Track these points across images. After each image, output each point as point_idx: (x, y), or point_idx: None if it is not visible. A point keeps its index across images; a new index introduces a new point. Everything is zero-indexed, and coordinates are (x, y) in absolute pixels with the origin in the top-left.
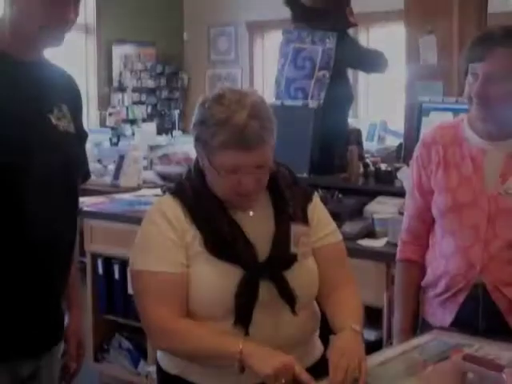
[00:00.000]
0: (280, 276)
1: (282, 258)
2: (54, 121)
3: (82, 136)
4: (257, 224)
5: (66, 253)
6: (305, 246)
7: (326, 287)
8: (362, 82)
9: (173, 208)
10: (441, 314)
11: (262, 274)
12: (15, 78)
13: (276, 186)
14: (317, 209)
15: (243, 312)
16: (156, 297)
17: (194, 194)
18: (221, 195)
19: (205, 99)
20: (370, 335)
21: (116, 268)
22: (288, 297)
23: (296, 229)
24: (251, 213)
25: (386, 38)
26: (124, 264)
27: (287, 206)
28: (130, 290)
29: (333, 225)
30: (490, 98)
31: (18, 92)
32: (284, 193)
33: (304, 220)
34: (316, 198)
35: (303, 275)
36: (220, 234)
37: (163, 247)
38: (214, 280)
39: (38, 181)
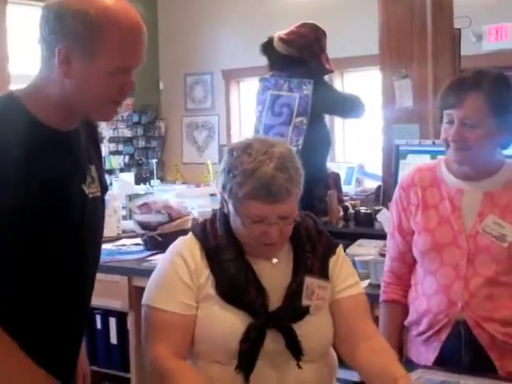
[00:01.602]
0: (288, 327)
1: (294, 309)
2: (86, 190)
3: (104, 194)
4: (275, 273)
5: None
6: (320, 300)
7: (353, 339)
8: (339, 126)
9: (192, 248)
10: (424, 352)
11: (271, 323)
12: (53, 151)
13: (298, 237)
14: (339, 262)
15: (246, 358)
16: (160, 335)
17: (215, 237)
18: (244, 242)
19: (233, 147)
20: (354, 376)
21: (98, 318)
22: (294, 349)
23: (310, 281)
24: (274, 260)
25: (361, 82)
26: (106, 314)
27: (305, 257)
28: (113, 340)
29: (355, 277)
30: (467, 142)
31: (58, 167)
32: (305, 244)
33: (323, 273)
34: (340, 251)
35: (314, 328)
36: (233, 280)
37: (175, 288)
38: (222, 324)
39: (73, 254)
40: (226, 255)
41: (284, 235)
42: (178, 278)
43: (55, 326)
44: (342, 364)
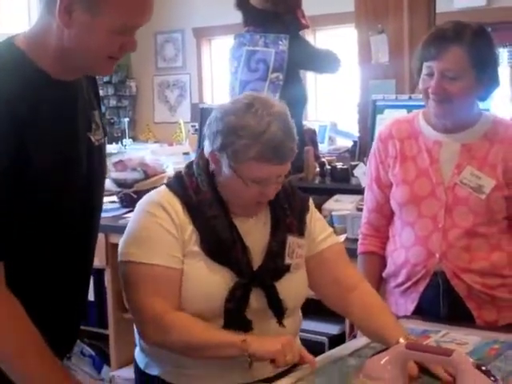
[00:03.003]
0: (271, 285)
1: (275, 267)
2: (92, 139)
3: (106, 137)
4: (254, 231)
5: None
6: (298, 258)
7: (340, 288)
8: (311, 85)
9: (171, 203)
10: (403, 303)
11: (256, 281)
12: (58, 102)
13: (276, 195)
14: (313, 216)
15: (233, 317)
16: (152, 289)
17: (196, 193)
18: (234, 201)
19: (229, 107)
20: (334, 329)
21: None
22: (277, 308)
23: (292, 240)
24: (253, 218)
25: (333, 41)
26: None
27: (285, 215)
28: (90, 297)
29: (329, 228)
30: (447, 94)
31: (64, 117)
32: (283, 202)
33: (300, 231)
34: (311, 205)
35: (293, 286)
36: (219, 237)
37: (163, 240)
38: (207, 282)
39: (80, 210)
40: (211, 212)
41: (275, 193)
42: (164, 229)
43: (62, 287)
44: (324, 318)
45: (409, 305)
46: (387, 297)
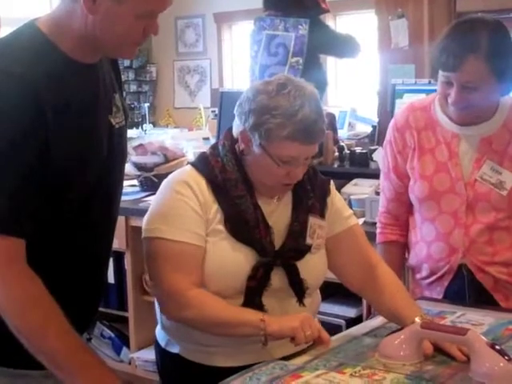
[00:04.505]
0: (293, 265)
1: (297, 247)
2: (112, 122)
3: (127, 120)
4: (276, 211)
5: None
6: (319, 239)
7: (359, 268)
8: (331, 70)
9: (197, 181)
10: (428, 294)
11: (278, 261)
12: (80, 85)
13: None
14: (334, 199)
15: (253, 296)
16: (175, 265)
17: (222, 172)
18: (260, 181)
19: (262, 87)
20: (351, 312)
21: None
22: (298, 287)
23: (313, 221)
24: (275, 200)
25: (354, 26)
26: None
27: (307, 197)
28: (110, 279)
29: (350, 209)
30: (469, 102)
31: (86, 100)
32: (305, 184)
33: (321, 213)
34: (332, 187)
35: (313, 266)
36: (243, 217)
37: (187, 217)
38: (230, 260)
39: (103, 191)
40: (236, 191)
41: (302, 175)
42: (189, 207)
43: (80, 267)
44: (342, 300)
45: (434, 297)
46: (413, 287)
